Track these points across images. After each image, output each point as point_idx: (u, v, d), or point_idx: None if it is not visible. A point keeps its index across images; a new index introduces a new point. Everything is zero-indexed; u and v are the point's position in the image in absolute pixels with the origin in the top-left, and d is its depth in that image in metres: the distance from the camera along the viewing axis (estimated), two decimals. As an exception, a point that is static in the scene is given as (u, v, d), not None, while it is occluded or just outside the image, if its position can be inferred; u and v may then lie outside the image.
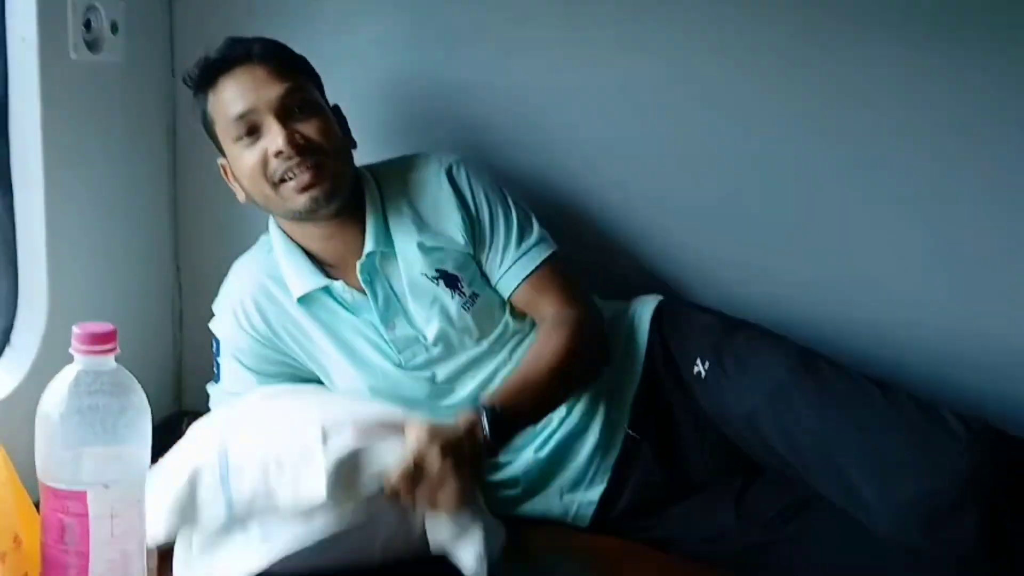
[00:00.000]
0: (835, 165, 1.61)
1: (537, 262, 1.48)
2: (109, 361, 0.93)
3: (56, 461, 0.91)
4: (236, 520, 1.14)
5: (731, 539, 1.38)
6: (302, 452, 1.16)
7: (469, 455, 1.19)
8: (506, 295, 1.48)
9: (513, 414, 1.28)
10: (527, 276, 1.47)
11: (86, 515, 0.91)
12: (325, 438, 1.17)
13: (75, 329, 0.92)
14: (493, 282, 1.49)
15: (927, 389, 1.38)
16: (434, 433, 1.18)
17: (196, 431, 1.33)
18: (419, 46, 1.69)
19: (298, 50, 1.46)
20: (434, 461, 1.16)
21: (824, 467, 1.31)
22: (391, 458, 1.16)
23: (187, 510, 1.13)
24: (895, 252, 1.61)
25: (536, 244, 1.49)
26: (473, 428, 1.23)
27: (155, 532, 1.13)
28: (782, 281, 1.64)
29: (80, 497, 0.90)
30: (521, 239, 1.49)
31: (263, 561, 1.11)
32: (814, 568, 1.33)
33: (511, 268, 1.48)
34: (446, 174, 1.49)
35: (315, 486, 1.13)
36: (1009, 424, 1.34)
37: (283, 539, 1.13)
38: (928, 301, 1.61)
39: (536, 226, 1.51)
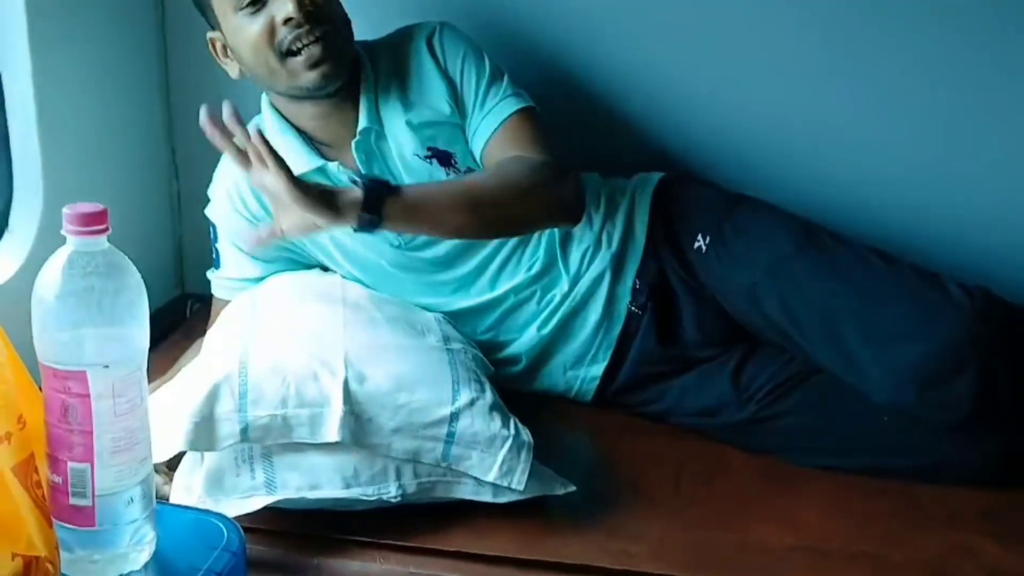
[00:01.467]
0: (840, 40, 1.58)
1: (506, 114, 1.41)
2: (102, 241, 0.92)
3: (54, 343, 0.91)
4: (249, 442, 1.15)
5: (728, 412, 1.40)
6: (322, 391, 1.17)
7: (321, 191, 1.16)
8: (478, 155, 1.43)
9: (405, 196, 1.21)
10: (496, 128, 1.40)
11: (88, 395, 0.91)
12: (346, 379, 1.18)
13: (65, 210, 0.91)
14: (470, 146, 1.44)
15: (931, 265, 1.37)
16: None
17: (217, 337, 1.33)
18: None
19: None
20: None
21: (824, 336, 1.31)
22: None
23: (202, 426, 1.14)
24: (899, 132, 1.60)
25: (505, 98, 1.42)
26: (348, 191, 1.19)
27: (168, 444, 1.14)
28: (784, 159, 1.63)
29: (80, 377, 0.91)
30: (490, 95, 1.43)
31: (264, 504, 1.13)
32: (811, 441, 1.35)
33: (481, 124, 1.42)
34: (426, 43, 1.45)
35: (331, 431, 1.15)
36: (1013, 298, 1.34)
37: (287, 491, 1.14)
38: (934, 183, 1.61)
39: (507, 82, 1.44)
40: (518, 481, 1.17)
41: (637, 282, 1.46)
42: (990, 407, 1.25)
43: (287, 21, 1.31)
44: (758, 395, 1.39)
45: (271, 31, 1.33)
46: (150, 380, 1.29)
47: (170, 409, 1.17)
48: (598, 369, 1.47)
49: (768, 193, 1.49)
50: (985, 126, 1.59)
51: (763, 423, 1.38)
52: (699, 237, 1.42)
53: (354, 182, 1.22)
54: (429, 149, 1.43)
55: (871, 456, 1.32)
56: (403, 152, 1.42)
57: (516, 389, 1.41)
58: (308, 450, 1.17)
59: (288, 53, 1.33)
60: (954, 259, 1.49)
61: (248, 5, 1.33)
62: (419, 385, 1.21)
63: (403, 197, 1.20)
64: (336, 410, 1.16)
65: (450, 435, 1.18)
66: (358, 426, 1.16)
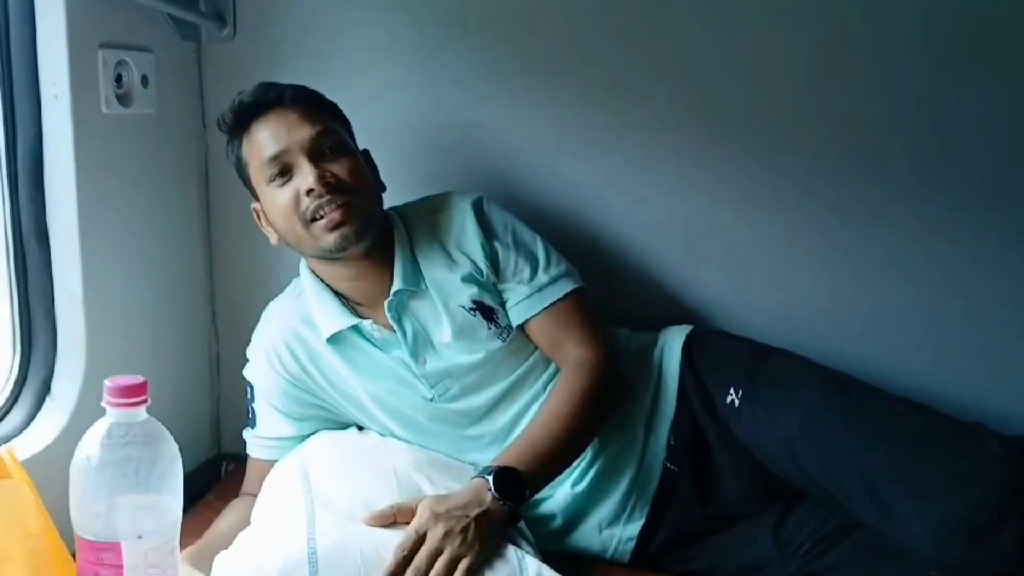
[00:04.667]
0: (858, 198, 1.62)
1: (557, 296, 1.47)
2: (141, 413, 0.94)
3: (90, 513, 0.92)
4: None
5: (771, 569, 1.36)
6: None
7: (475, 521, 1.23)
8: (517, 323, 1.47)
9: (528, 472, 1.30)
10: (544, 309, 1.47)
11: (121, 566, 0.91)
12: None
13: (107, 383, 0.94)
14: (508, 309, 1.48)
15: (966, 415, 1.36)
16: (438, 503, 1.24)
17: (271, 514, 1.33)
18: (438, 89, 1.72)
19: (331, 97, 1.49)
20: (436, 532, 1.21)
21: (862, 491, 1.29)
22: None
23: None
24: (923, 288, 1.62)
25: (558, 278, 1.49)
26: (480, 493, 1.26)
27: None
28: (810, 311, 1.65)
29: (115, 548, 0.91)
30: (545, 270, 1.49)
31: None
32: (856, 597, 1.31)
33: (528, 298, 1.47)
34: (472, 208, 1.50)
35: None
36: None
37: None
38: (959, 335, 1.62)
39: (561, 260, 1.51)
40: None
41: (671, 437, 1.45)
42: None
43: (309, 192, 1.38)
44: (801, 551, 1.35)
45: (296, 201, 1.39)
46: (185, 541, 1.30)
47: None
48: (635, 528, 1.44)
49: (798, 346, 1.50)
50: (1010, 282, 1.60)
51: (807, 580, 1.34)
52: (731, 391, 1.42)
53: (495, 497, 1.27)
54: (475, 303, 1.46)
55: (919, 613, 1.28)
56: (448, 303, 1.46)
57: (550, 550, 1.39)
58: None
59: (312, 220, 1.40)
60: (988, 410, 1.47)
61: (277, 177, 1.41)
62: (486, 561, 1.22)
63: (532, 481, 1.31)
64: None
65: None
66: None
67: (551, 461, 1.36)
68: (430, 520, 1.23)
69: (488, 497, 1.26)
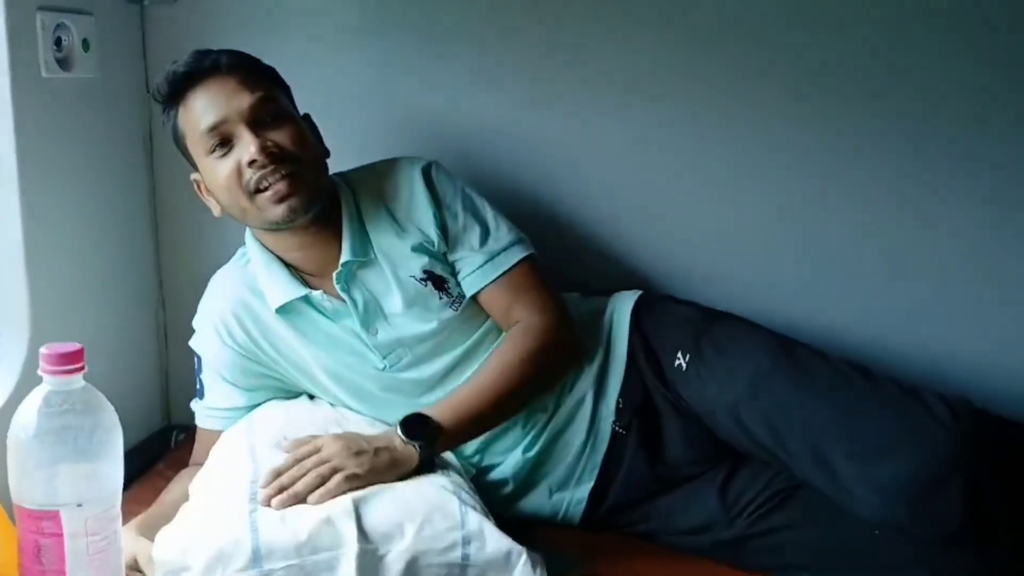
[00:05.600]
0: (811, 166, 1.65)
1: (510, 264, 1.47)
2: (78, 380, 0.93)
3: (28, 482, 0.92)
4: None
5: (717, 529, 1.38)
6: (335, 533, 1.17)
7: (374, 451, 1.28)
8: (471, 293, 1.47)
9: (444, 422, 1.34)
10: (498, 277, 1.47)
11: (61, 534, 0.91)
12: (357, 517, 1.18)
13: (42, 350, 0.93)
14: (460, 279, 1.48)
15: (908, 377, 1.38)
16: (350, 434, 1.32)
17: (217, 483, 1.32)
18: (388, 54, 1.70)
19: (267, 61, 1.46)
20: (332, 446, 1.27)
21: (807, 452, 1.31)
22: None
23: None
24: (872, 250, 1.65)
25: (510, 245, 1.49)
26: (390, 435, 1.32)
27: None
28: (759, 275, 1.68)
29: (54, 517, 0.91)
30: (495, 239, 1.49)
31: None
32: (802, 557, 1.33)
33: (480, 268, 1.47)
34: (422, 174, 1.49)
35: (347, 572, 1.15)
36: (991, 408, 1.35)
37: None
38: (909, 295, 1.65)
39: (512, 227, 1.51)
40: None
41: (620, 401, 1.46)
42: (981, 520, 1.24)
43: (252, 163, 1.36)
44: (746, 511, 1.37)
45: (238, 172, 1.37)
46: (134, 510, 1.30)
47: (182, 569, 1.15)
48: (584, 491, 1.45)
49: (745, 310, 1.51)
50: (960, 240, 1.63)
51: (753, 540, 1.36)
52: (679, 355, 1.43)
53: (405, 441, 1.31)
54: (426, 272, 1.45)
55: (862, 571, 1.30)
56: (398, 273, 1.45)
57: (502, 514, 1.40)
58: None
59: (256, 191, 1.38)
60: (934, 371, 1.50)
61: (217, 148, 1.38)
62: (427, 513, 1.21)
63: (450, 438, 1.35)
64: (351, 550, 1.15)
65: (465, 558, 1.18)
66: (374, 563, 1.16)
67: (474, 416, 1.37)
68: (332, 438, 1.30)
69: (397, 440, 1.30)
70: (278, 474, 1.25)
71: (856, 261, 1.66)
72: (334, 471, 1.24)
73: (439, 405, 1.38)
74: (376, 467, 1.26)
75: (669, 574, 1.35)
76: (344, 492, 1.22)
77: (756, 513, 1.36)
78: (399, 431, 1.31)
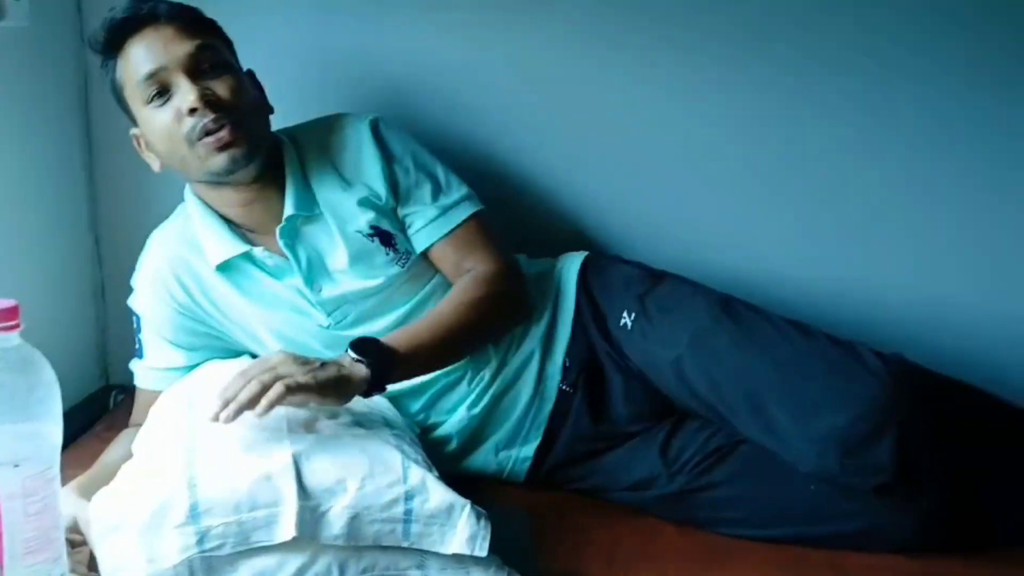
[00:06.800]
0: (748, 121, 1.67)
1: (461, 219, 1.47)
2: (13, 338, 0.91)
3: (-38, 442, 0.90)
4: (206, 553, 1.11)
5: (659, 484, 1.40)
6: (274, 490, 1.15)
7: (323, 365, 1.24)
8: (421, 249, 1.47)
9: (396, 348, 1.31)
10: (449, 232, 1.47)
11: (-3, 495, 0.89)
12: (297, 474, 1.16)
13: (-25, 307, 0.90)
14: (410, 235, 1.47)
15: (845, 332, 1.41)
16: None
17: (155, 442, 1.29)
18: (329, 10, 1.68)
19: (209, 15, 1.43)
20: (281, 359, 1.23)
21: (746, 407, 1.33)
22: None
23: (156, 541, 1.10)
24: (813, 204, 1.69)
25: (460, 201, 1.49)
26: (340, 357, 1.28)
27: (122, 562, 1.10)
28: (703, 236, 1.70)
29: (-11, 477, 0.89)
30: (446, 194, 1.48)
31: None
32: (740, 511, 1.36)
33: (431, 223, 1.47)
34: (369, 129, 1.48)
35: (287, 528, 1.12)
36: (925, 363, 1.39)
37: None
38: (848, 256, 1.69)
39: (461, 183, 1.51)
40: (480, 548, 1.15)
41: (567, 360, 1.47)
42: (912, 471, 1.27)
43: (192, 111, 1.33)
44: (687, 467, 1.39)
45: (178, 121, 1.35)
46: (73, 472, 1.27)
47: (118, 526, 1.12)
48: (530, 449, 1.47)
49: (689, 270, 1.53)
50: (900, 198, 1.67)
51: (693, 495, 1.38)
52: (624, 314, 1.44)
53: (354, 359, 1.27)
54: (373, 228, 1.44)
55: (800, 525, 1.33)
56: (345, 228, 1.44)
57: (447, 471, 1.40)
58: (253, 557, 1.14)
59: (197, 139, 1.35)
60: (869, 330, 1.54)
61: (155, 97, 1.35)
62: (369, 468, 1.19)
63: (402, 362, 1.32)
64: (290, 507, 1.13)
65: (407, 513, 1.16)
66: (314, 519, 1.14)
67: (427, 347, 1.35)
68: (279, 351, 1.27)
69: (346, 358, 1.27)
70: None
71: (791, 208, 1.70)
72: (277, 379, 1.20)
73: (393, 334, 1.36)
74: (321, 379, 1.23)
75: (612, 529, 1.37)
76: (288, 401, 1.20)
77: (696, 469, 1.39)
78: (349, 350, 1.29)
